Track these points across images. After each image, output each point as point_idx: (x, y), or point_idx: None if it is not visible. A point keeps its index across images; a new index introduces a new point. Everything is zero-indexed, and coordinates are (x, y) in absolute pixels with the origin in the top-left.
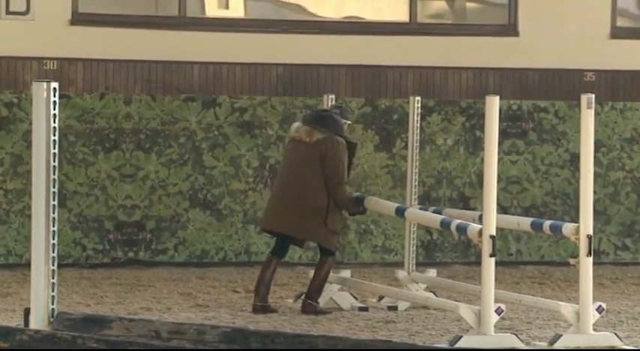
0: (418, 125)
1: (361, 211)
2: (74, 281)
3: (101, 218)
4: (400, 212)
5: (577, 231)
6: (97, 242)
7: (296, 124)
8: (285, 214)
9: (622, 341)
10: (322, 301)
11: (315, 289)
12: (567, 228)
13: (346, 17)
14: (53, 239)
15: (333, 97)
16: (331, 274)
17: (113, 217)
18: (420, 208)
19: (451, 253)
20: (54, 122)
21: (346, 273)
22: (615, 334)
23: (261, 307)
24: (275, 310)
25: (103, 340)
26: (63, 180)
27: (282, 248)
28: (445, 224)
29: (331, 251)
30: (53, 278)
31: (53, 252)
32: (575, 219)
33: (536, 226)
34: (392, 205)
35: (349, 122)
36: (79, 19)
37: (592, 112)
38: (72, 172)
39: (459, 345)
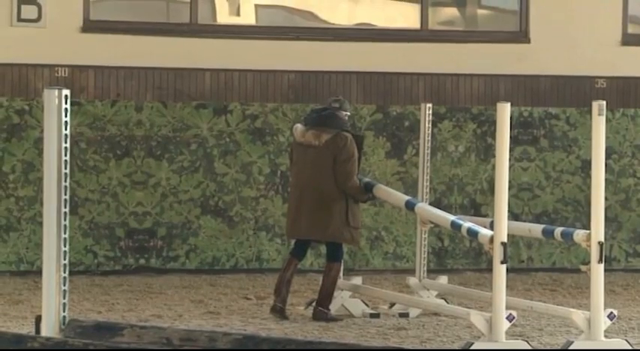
0: (429, 132)
1: (370, 197)
2: (85, 288)
3: (112, 225)
4: (410, 205)
5: (588, 238)
6: (109, 249)
7: (299, 128)
8: (310, 221)
9: (633, 348)
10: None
11: (325, 296)
12: (578, 235)
13: (358, 24)
14: (64, 246)
15: None
16: (343, 280)
17: (124, 224)
18: None
19: (462, 260)
20: (65, 129)
21: (357, 280)
22: (626, 340)
23: (280, 310)
24: (287, 317)
25: (115, 347)
26: (74, 187)
27: (302, 250)
28: (456, 225)
29: (337, 257)
30: (64, 285)
31: (64, 259)
32: (587, 226)
33: (548, 233)
34: (402, 197)
35: (349, 113)
36: (90, 26)
37: (603, 118)
38: (83, 180)
39: None
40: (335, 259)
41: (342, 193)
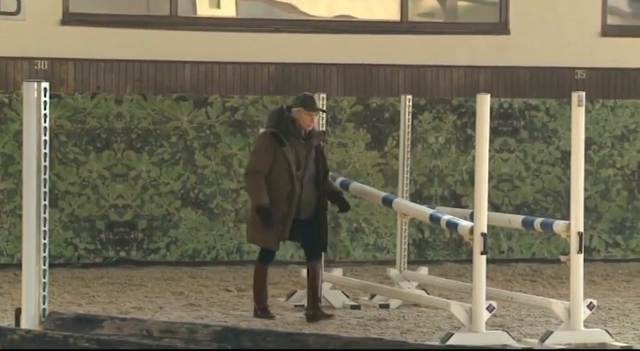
0: (409, 124)
1: (263, 213)
2: (66, 281)
3: (93, 218)
4: (387, 201)
5: (568, 228)
6: (89, 242)
7: None
8: None
9: (613, 338)
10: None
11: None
12: (558, 225)
13: (338, 16)
14: (44, 239)
15: (325, 95)
16: (323, 272)
17: (105, 217)
18: None
19: (443, 251)
20: (45, 122)
21: (338, 271)
22: (606, 330)
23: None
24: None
25: (95, 339)
26: (54, 180)
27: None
28: (435, 219)
29: (260, 255)
30: (44, 278)
31: (44, 252)
32: (566, 216)
33: (528, 224)
34: (379, 194)
35: (299, 109)
36: (70, 18)
37: (583, 109)
38: (63, 172)
39: (450, 342)
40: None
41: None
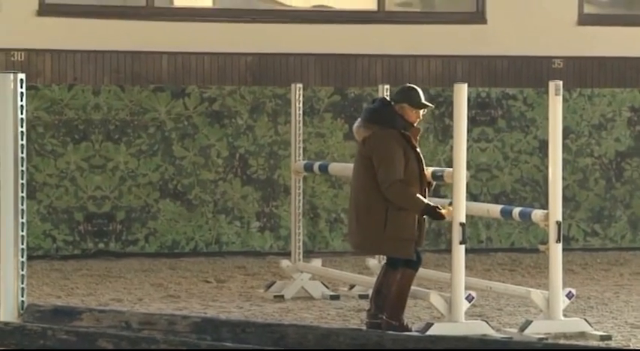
0: None
1: (430, 210)
2: (44, 273)
3: (71, 209)
4: None
5: (546, 217)
6: (67, 234)
7: (356, 122)
8: (350, 232)
9: (592, 327)
10: (293, 290)
11: (392, 305)
12: (537, 215)
13: (315, 6)
14: (22, 231)
15: (301, 85)
16: (302, 263)
17: (83, 209)
18: None
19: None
20: (21, 114)
21: (317, 262)
22: (585, 319)
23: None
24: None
25: (73, 331)
26: (32, 172)
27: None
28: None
29: (401, 261)
30: (23, 270)
31: (22, 244)
32: (545, 206)
33: (506, 213)
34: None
35: (405, 104)
36: (46, 9)
37: (560, 98)
38: (41, 164)
39: (430, 332)
40: (398, 264)
41: (379, 200)
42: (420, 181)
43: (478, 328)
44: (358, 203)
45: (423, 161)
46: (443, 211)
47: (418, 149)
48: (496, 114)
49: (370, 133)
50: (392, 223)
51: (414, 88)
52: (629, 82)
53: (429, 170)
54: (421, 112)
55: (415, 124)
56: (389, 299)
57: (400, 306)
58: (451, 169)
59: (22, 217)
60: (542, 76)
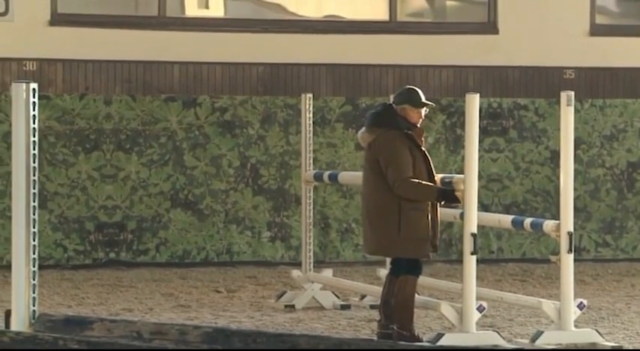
0: None
1: (448, 195)
2: (55, 282)
3: (82, 219)
4: None
5: (558, 228)
6: (78, 243)
7: (362, 129)
8: (365, 239)
9: (603, 337)
10: (303, 300)
11: (400, 315)
12: (548, 225)
13: (326, 16)
14: (34, 241)
15: (311, 95)
16: (313, 273)
17: (94, 218)
18: None
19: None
20: (34, 123)
21: (328, 272)
22: (596, 330)
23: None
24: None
25: (85, 341)
26: (43, 181)
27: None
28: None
29: (403, 268)
30: (34, 280)
31: (34, 253)
32: (556, 216)
33: (517, 224)
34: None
35: (405, 106)
36: (58, 19)
37: (572, 109)
38: (52, 173)
39: (441, 343)
40: (394, 274)
41: (392, 202)
42: (430, 180)
43: (489, 339)
44: (370, 209)
45: (431, 160)
46: (458, 194)
47: (424, 149)
48: (507, 124)
49: (374, 136)
50: (406, 223)
51: (413, 88)
52: None
53: (438, 176)
54: (423, 111)
55: (418, 125)
56: (396, 307)
57: (408, 314)
58: (461, 175)
59: (34, 227)
60: (553, 87)
